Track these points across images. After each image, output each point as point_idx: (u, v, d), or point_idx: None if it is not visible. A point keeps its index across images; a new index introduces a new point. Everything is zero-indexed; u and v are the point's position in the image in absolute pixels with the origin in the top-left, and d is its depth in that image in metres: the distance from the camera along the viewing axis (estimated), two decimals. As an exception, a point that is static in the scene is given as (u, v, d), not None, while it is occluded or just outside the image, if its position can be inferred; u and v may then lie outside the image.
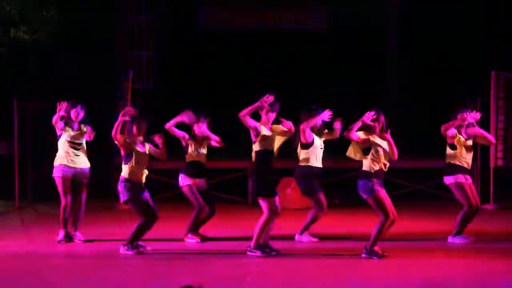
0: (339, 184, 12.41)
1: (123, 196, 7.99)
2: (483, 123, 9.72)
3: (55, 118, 8.61)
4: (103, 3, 14.89)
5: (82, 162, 8.72)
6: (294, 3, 16.43)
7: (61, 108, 8.59)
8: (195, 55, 16.15)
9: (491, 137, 8.97)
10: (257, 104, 7.66)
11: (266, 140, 7.72)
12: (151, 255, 7.95)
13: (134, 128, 8.00)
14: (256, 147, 7.77)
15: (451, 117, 8.60)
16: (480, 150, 11.81)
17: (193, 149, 8.74)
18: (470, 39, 15.26)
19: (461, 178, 8.55)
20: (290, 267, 7.45)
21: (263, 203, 7.72)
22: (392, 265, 7.38)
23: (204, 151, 8.80)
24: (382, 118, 7.67)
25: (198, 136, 8.75)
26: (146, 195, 8.01)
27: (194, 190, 8.70)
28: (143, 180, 8.04)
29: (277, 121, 7.91)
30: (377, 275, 7.04)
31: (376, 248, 7.63)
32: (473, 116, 8.54)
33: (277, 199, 7.77)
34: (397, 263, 7.51)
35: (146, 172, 8.09)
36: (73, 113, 8.66)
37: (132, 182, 7.92)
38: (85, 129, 8.73)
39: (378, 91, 15.76)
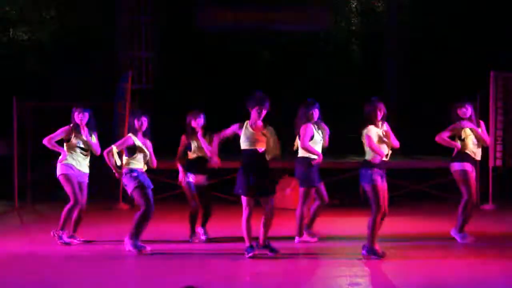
0: (338, 184, 12.40)
1: (129, 186, 8.03)
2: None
3: (64, 131, 8.58)
4: (103, 3, 14.90)
5: (85, 166, 8.70)
6: (294, 3, 16.44)
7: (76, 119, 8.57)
8: (194, 55, 16.16)
9: (487, 138, 8.85)
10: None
11: (249, 139, 7.71)
12: (151, 255, 7.95)
13: (136, 123, 8.11)
14: (241, 145, 7.80)
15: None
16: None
17: (195, 146, 8.77)
18: (469, 39, 15.27)
19: (468, 166, 8.54)
20: (290, 267, 7.45)
21: (242, 199, 7.73)
22: (391, 265, 7.38)
23: (205, 146, 8.79)
24: (382, 106, 7.62)
25: (195, 131, 8.77)
26: (149, 184, 8.08)
27: (193, 188, 8.73)
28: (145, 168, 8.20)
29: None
30: (376, 275, 7.04)
31: (377, 247, 7.62)
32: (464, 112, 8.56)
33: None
34: (397, 263, 7.51)
35: (145, 166, 8.23)
36: (77, 118, 8.62)
37: (136, 170, 8.04)
38: (94, 139, 8.69)
39: (378, 90, 15.77)
